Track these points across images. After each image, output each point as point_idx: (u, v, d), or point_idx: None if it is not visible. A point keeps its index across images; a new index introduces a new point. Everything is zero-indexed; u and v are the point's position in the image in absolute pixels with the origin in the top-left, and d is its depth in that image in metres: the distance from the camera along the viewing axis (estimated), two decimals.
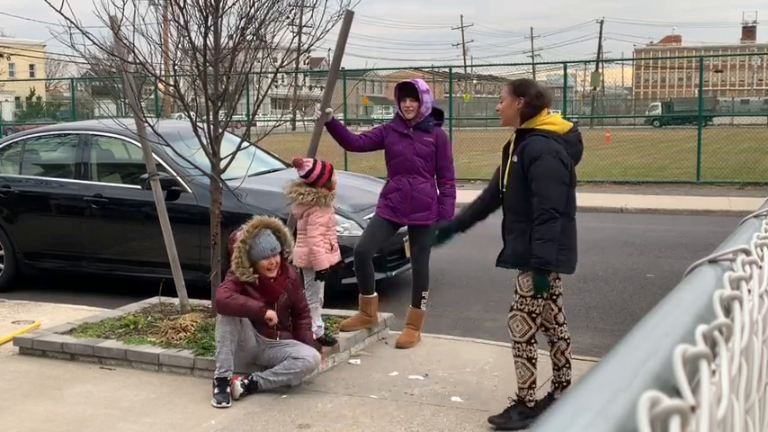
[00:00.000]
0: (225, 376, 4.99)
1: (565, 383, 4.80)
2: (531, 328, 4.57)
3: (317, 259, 5.55)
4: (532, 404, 4.60)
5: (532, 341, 4.58)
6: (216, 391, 4.97)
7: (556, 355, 4.83)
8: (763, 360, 1.11)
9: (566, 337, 4.83)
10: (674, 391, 0.72)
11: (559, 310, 4.83)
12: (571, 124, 4.66)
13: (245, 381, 5.07)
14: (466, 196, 15.93)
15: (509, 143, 4.79)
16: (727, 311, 1.00)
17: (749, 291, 1.08)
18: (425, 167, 6.05)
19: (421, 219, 6.05)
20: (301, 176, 5.65)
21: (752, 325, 0.99)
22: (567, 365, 4.81)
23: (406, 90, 6.03)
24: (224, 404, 4.90)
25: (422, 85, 6.04)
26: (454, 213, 6.16)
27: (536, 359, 4.60)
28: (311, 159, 5.71)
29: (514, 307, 4.63)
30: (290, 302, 5.26)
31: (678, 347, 0.77)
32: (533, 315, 4.58)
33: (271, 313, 5.04)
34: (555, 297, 4.79)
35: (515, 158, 4.59)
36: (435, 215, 6.06)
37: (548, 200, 4.40)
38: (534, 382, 4.61)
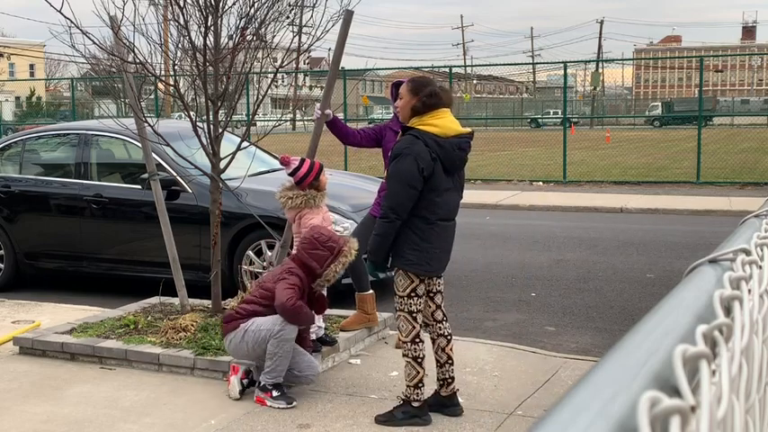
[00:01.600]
0: (280, 381, 4.94)
1: (449, 380, 4.82)
2: (414, 327, 4.63)
3: None
4: (418, 404, 4.65)
5: (417, 340, 4.64)
6: (275, 393, 4.89)
7: (437, 353, 4.84)
8: (764, 360, 1.11)
9: (445, 333, 4.87)
10: (674, 391, 0.72)
11: (437, 307, 4.83)
12: (459, 130, 4.57)
13: (244, 380, 5.07)
14: (465, 196, 15.84)
15: None
16: (728, 311, 1.00)
17: (749, 291, 1.08)
18: None
19: None
20: (288, 174, 5.64)
21: (752, 325, 0.99)
22: (450, 362, 4.83)
23: (399, 89, 6.03)
24: (294, 403, 4.89)
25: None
26: None
27: (423, 358, 4.66)
28: (298, 158, 5.69)
29: (396, 308, 4.72)
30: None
31: (678, 347, 0.77)
32: (413, 314, 4.64)
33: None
34: (432, 294, 4.81)
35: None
36: None
37: (389, 198, 4.52)
38: (421, 380, 4.65)
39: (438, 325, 4.84)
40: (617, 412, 0.65)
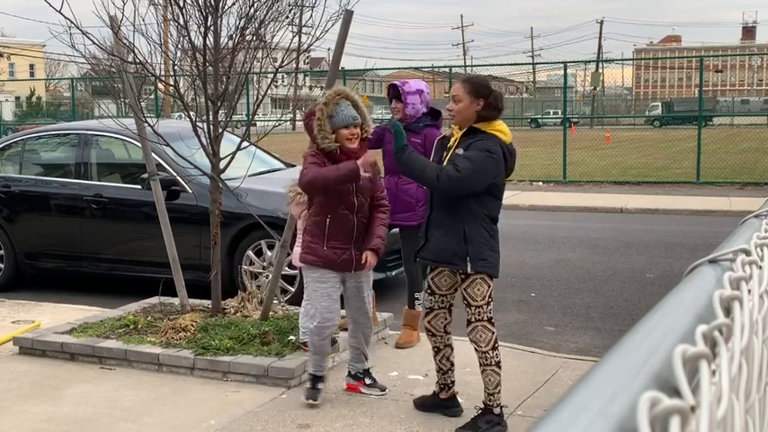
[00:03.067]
0: (322, 374, 4.98)
1: (450, 384, 4.87)
2: (493, 333, 4.63)
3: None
4: (499, 409, 4.58)
5: (496, 345, 4.63)
6: (309, 385, 4.97)
7: (441, 361, 4.84)
8: (763, 360, 1.11)
9: (452, 343, 4.92)
10: (674, 391, 0.72)
11: (450, 321, 4.89)
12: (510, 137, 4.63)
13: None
14: None
15: (445, 138, 4.75)
16: (728, 311, 1.00)
17: (749, 291, 1.08)
18: None
19: (404, 219, 6.02)
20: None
21: (752, 325, 0.99)
22: (453, 368, 4.88)
23: (394, 92, 6.03)
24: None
25: (409, 86, 5.95)
26: None
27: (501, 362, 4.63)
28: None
29: (473, 319, 4.65)
30: (372, 187, 4.90)
31: (678, 347, 0.77)
32: (492, 320, 4.66)
33: (366, 159, 4.75)
34: (451, 307, 4.87)
35: (460, 151, 4.53)
36: (418, 217, 5.91)
37: (466, 171, 4.42)
38: (500, 384, 4.61)
39: (447, 336, 4.88)
40: (617, 412, 0.65)
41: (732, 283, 1.10)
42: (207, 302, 6.41)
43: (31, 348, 6.02)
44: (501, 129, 4.55)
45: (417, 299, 6.19)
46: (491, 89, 4.54)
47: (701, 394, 0.71)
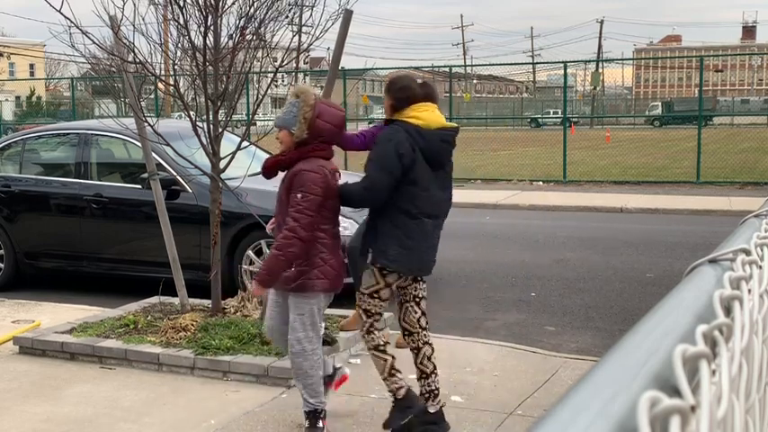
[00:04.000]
0: (319, 408, 4.42)
1: (435, 391, 4.54)
2: (364, 321, 4.51)
3: None
4: (403, 392, 4.41)
5: (371, 329, 4.47)
6: (307, 424, 4.43)
7: (423, 363, 4.55)
8: (764, 360, 1.11)
9: (430, 341, 4.61)
10: (674, 391, 0.72)
11: (423, 314, 4.61)
12: (444, 123, 4.47)
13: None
14: (465, 196, 15.93)
15: None
16: (728, 311, 1.00)
17: (749, 290, 1.08)
18: None
19: None
20: None
21: (752, 325, 0.99)
22: (435, 372, 4.56)
23: None
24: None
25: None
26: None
27: (384, 344, 4.48)
28: None
29: (356, 302, 4.71)
30: (286, 200, 4.37)
31: (678, 347, 0.77)
32: (368, 312, 4.48)
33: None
34: (418, 300, 4.60)
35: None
36: None
37: (365, 180, 4.38)
38: (392, 366, 4.42)
39: (423, 332, 4.61)
40: (617, 412, 0.65)
41: (732, 282, 1.10)
42: (207, 302, 6.41)
43: (31, 348, 6.02)
44: (415, 114, 4.38)
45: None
46: (400, 82, 4.50)
47: (701, 394, 0.71)
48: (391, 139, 4.33)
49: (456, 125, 4.62)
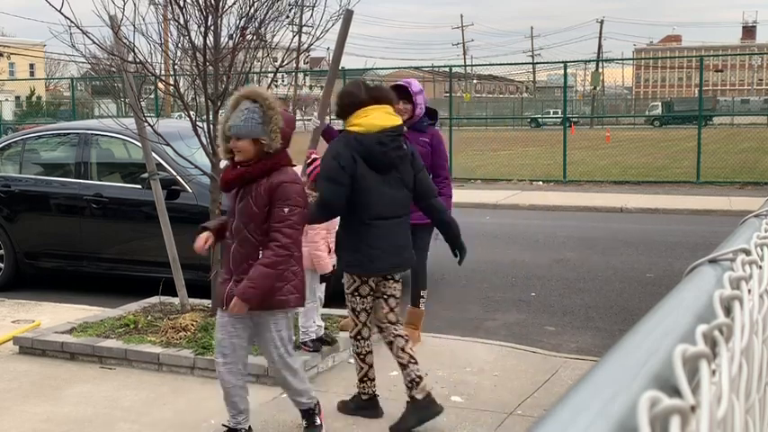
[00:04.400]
0: (312, 404, 4.42)
1: (417, 379, 4.61)
2: (356, 324, 4.75)
3: (320, 263, 5.55)
4: (366, 396, 4.80)
5: (359, 337, 4.73)
6: (305, 424, 4.45)
7: (398, 354, 4.68)
8: (764, 360, 1.11)
9: (402, 334, 4.73)
10: (674, 391, 0.72)
11: (390, 310, 4.73)
12: (384, 125, 4.49)
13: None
14: (465, 196, 15.93)
15: None
16: (728, 311, 1.00)
17: (749, 290, 1.08)
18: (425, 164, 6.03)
19: (419, 218, 6.04)
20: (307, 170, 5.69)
21: (752, 325, 0.99)
22: (413, 361, 4.64)
23: (399, 92, 6.01)
24: None
25: (415, 86, 5.98)
26: (451, 211, 6.16)
27: (365, 354, 4.76)
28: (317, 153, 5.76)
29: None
30: (258, 213, 4.02)
31: (678, 347, 0.77)
32: (355, 311, 4.71)
33: (200, 240, 4.17)
34: (386, 297, 4.73)
35: None
36: None
37: (318, 198, 4.60)
38: (366, 375, 4.77)
39: (392, 327, 4.70)
40: (617, 412, 0.65)
41: (732, 282, 1.10)
42: (207, 302, 6.41)
43: (31, 348, 6.02)
44: (356, 122, 4.49)
45: (423, 297, 6.19)
46: (344, 89, 4.72)
47: (701, 394, 0.71)
48: (332, 153, 4.55)
49: (398, 124, 4.59)
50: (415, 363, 4.64)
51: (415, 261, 5.05)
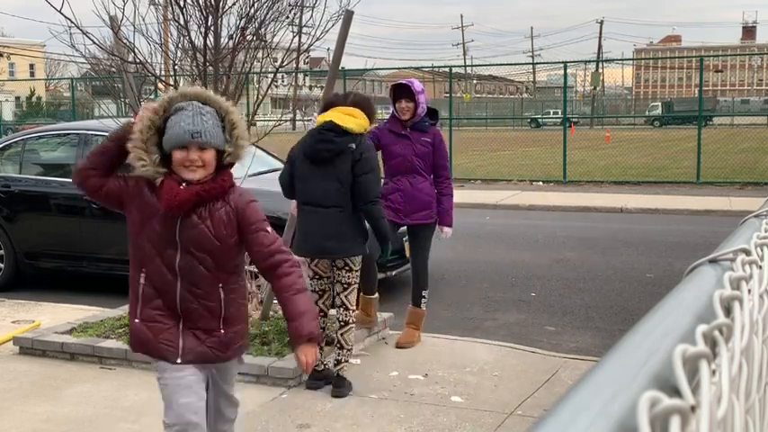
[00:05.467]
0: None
1: (335, 362, 5.22)
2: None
3: None
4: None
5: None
6: None
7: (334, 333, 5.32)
8: (764, 360, 1.11)
9: (340, 318, 5.25)
10: (674, 391, 0.72)
11: (337, 294, 5.25)
12: (324, 121, 5.06)
13: None
14: (465, 196, 15.93)
15: None
16: (728, 311, 1.00)
17: (749, 291, 1.08)
18: (423, 167, 6.05)
19: (422, 218, 6.06)
20: None
21: (752, 325, 0.99)
22: (338, 346, 5.21)
23: (402, 91, 6.02)
24: None
25: (417, 85, 6.01)
26: (453, 211, 6.18)
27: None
28: None
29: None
30: (227, 246, 3.17)
31: (678, 347, 0.77)
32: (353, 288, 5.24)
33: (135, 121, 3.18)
34: (336, 283, 5.26)
35: None
36: (435, 214, 6.07)
37: None
38: None
39: (340, 310, 5.22)
40: (617, 412, 0.65)
41: (732, 282, 1.10)
42: None
43: (31, 348, 6.02)
44: (317, 120, 5.18)
45: (424, 297, 6.20)
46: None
47: (701, 394, 0.71)
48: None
49: (328, 120, 5.06)
50: (341, 348, 5.18)
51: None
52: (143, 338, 3.29)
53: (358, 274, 5.21)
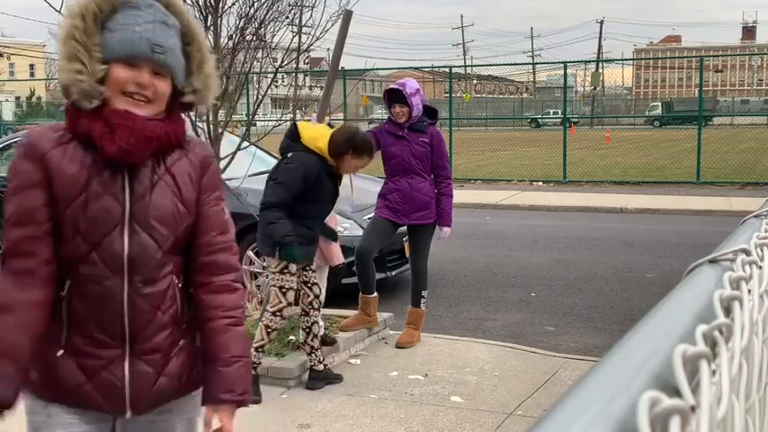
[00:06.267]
0: None
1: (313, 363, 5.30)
2: (280, 302, 5.08)
3: (333, 252, 5.66)
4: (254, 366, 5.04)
5: (278, 313, 5.09)
6: None
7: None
8: (764, 360, 1.11)
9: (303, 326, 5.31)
10: (675, 391, 0.72)
11: (316, 296, 5.30)
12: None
13: None
14: (465, 196, 15.93)
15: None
16: (728, 311, 1.00)
17: (749, 291, 1.08)
18: (422, 167, 6.05)
19: (421, 218, 6.06)
20: None
21: (752, 325, 0.99)
22: (314, 348, 5.29)
23: (395, 96, 6.01)
24: None
25: (409, 87, 5.95)
26: (452, 211, 6.17)
27: (273, 330, 5.12)
28: None
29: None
30: (193, 212, 2.17)
31: (678, 347, 0.77)
32: (282, 290, 5.08)
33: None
34: (306, 285, 5.31)
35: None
36: (434, 214, 6.07)
37: None
38: (262, 347, 5.09)
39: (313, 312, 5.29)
40: (617, 412, 0.65)
41: (732, 282, 1.10)
42: None
43: None
44: None
45: (423, 297, 6.20)
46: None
47: (701, 394, 0.71)
48: None
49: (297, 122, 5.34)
50: (307, 353, 5.27)
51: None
52: (70, 383, 2.11)
53: (285, 277, 5.03)
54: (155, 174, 2.06)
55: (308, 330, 5.25)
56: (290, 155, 5.05)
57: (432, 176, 6.13)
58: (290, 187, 4.93)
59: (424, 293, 6.20)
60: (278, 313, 5.07)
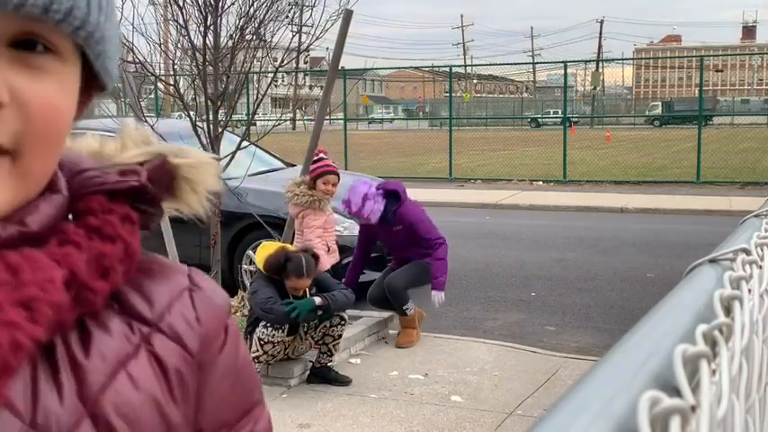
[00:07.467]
0: None
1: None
2: (257, 350, 5.13)
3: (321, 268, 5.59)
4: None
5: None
6: None
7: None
8: (764, 360, 1.11)
9: None
10: (675, 391, 0.72)
11: None
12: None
13: None
14: (465, 196, 15.89)
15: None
16: (728, 311, 1.00)
17: (749, 290, 1.08)
18: (412, 243, 6.09)
19: (414, 257, 6.21)
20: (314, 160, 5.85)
21: (752, 324, 0.99)
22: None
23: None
24: None
25: (354, 204, 5.88)
26: (446, 274, 6.09)
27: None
28: (323, 150, 5.88)
29: None
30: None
31: (678, 347, 0.77)
32: (262, 342, 5.14)
33: None
34: None
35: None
36: (430, 265, 6.10)
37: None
38: (257, 358, 5.11)
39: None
40: (617, 412, 0.65)
41: (732, 282, 1.10)
42: None
43: None
44: None
45: (408, 308, 6.15)
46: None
47: (701, 394, 0.70)
48: None
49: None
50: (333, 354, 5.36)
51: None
52: None
53: (266, 330, 5.12)
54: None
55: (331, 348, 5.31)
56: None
57: (426, 244, 6.08)
58: (263, 300, 5.06)
59: (405, 308, 6.14)
60: (254, 360, 5.02)
